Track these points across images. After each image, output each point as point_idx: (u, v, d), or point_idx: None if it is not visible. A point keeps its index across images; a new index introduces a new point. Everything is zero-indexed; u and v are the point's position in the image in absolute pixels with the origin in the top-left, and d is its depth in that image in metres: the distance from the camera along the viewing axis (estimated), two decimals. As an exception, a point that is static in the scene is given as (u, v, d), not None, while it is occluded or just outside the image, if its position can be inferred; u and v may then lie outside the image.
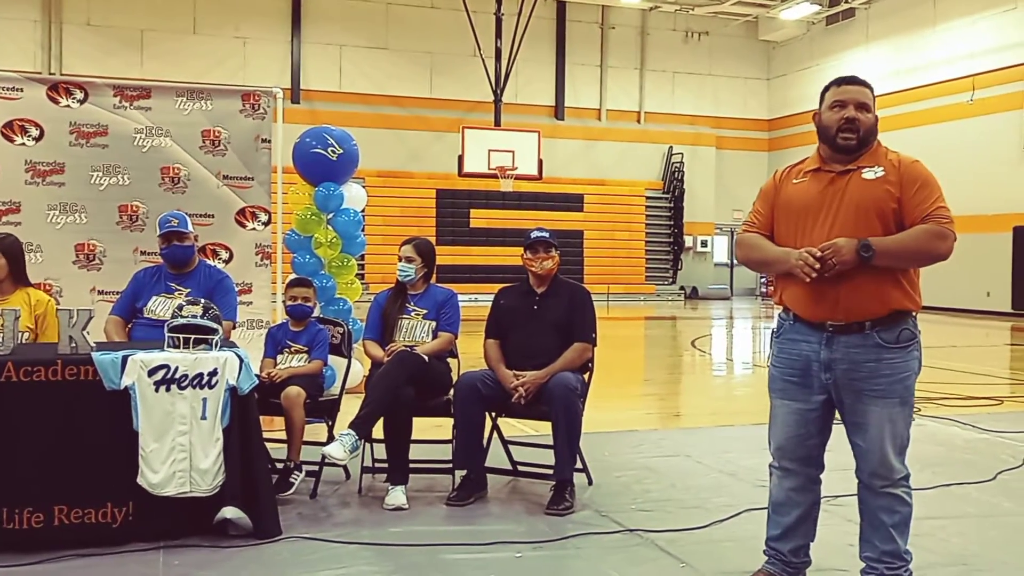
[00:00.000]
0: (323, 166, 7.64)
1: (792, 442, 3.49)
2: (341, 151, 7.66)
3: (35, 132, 6.70)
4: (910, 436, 3.37)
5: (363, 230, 8.05)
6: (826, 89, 3.45)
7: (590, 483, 5.12)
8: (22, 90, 6.71)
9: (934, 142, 22.09)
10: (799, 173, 3.47)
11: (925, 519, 4.57)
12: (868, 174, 3.29)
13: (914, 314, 3.35)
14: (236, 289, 5.48)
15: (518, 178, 21.45)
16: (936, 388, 8.93)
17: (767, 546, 3.64)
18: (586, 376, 5.06)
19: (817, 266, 3.18)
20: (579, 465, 4.95)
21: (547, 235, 5.11)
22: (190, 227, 5.28)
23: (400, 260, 5.25)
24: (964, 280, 21.19)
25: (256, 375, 4.35)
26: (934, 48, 23.43)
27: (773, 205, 3.49)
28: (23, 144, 6.68)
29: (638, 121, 28.56)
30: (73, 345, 4.08)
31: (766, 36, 28.87)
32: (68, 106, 6.76)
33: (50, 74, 21.96)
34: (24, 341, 4.59)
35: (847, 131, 3.31)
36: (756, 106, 30.02)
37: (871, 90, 3.40)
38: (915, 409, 3.43)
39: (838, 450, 3.57)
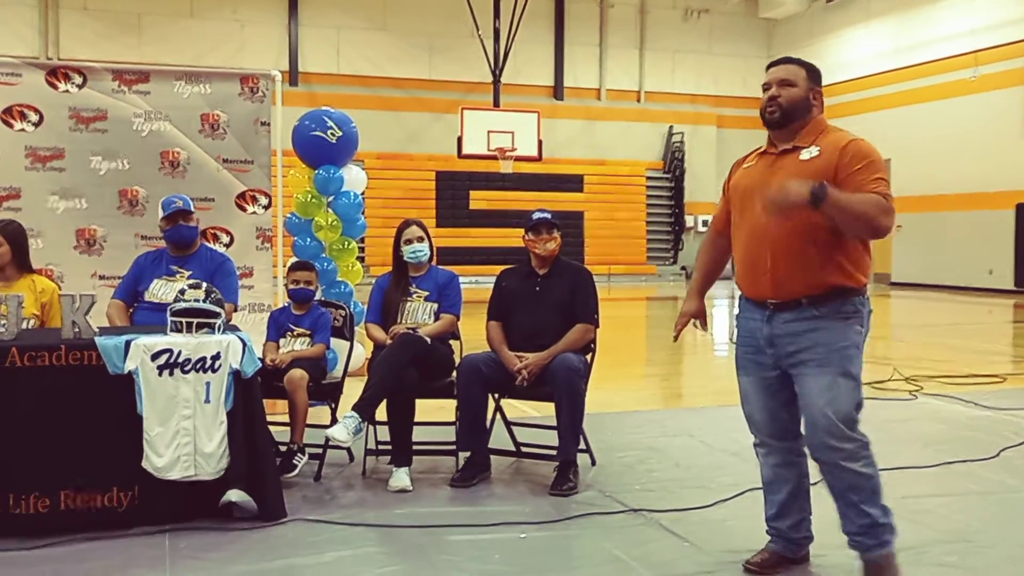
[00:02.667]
0: (322, 149, 7.61)
1: (762, 415, 3.59)
2: (340, 133, 7.63)
3: (34, 117, 6.68)
4: (857, 410, 3.31)
5: (363, 213, 8.03)
6: None
7: (593, 463, 5.14)
8: (21, 75, 6.68)
9: (937, 119, 21.99)
10: (751, 157, 3.60)
11: (927, 496, 4.59)
12: (804, 154, 3.36)
13: (860, 290, 3.35)
14: (237, 272, 5.48)
15: (518, 159, 21.35)
16: (938, 366, 8.97)
17: (767, 525, 3.69)
18: (588, 357, 5.06)
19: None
20: (582, 446, 4.96)
21: (549, 216, 5.10)
22: (194, 209, 5.29)
23: (412, 242, 5.24)
24: (966, 257, 21.18)
25: (259, 359, 4.35)
26: (936, 25, 23.28)
27: (727, 194, 3.65)
28: (23, 130, 6.66)
29: (638, 100, 28.43)
30: (76, 330, 4.08)
31: (766, 14, 28.68)
32: (67, 91, 6.74)
33: (48, 59, 21.87)
34: (30, 328, 4.59)
35: (768, 107, 3.44)
36: (757, 84, 28.95)
37: (801, 66, 3.49)
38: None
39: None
